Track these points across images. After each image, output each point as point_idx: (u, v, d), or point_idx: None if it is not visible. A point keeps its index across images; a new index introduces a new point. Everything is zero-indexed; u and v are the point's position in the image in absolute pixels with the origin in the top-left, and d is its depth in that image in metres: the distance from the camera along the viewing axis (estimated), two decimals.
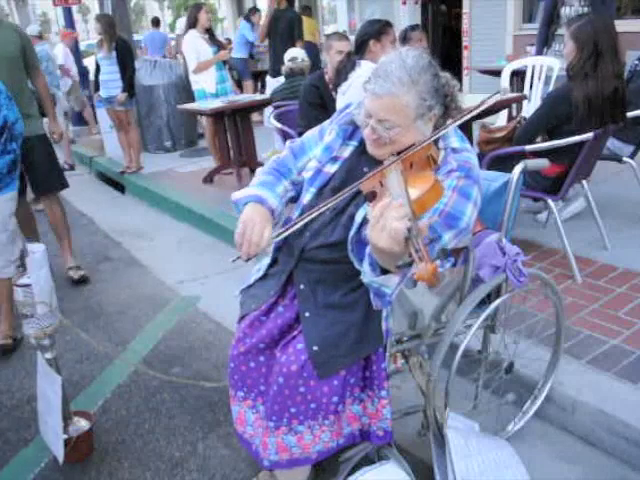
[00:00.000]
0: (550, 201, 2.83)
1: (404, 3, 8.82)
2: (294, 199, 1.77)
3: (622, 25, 4.38)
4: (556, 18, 4.20)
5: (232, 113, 5.03)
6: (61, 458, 1.94)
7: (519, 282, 1.72)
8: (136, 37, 11.15)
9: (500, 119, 4.46)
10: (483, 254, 1.72)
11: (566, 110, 2.77)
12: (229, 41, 9.26)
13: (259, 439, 1.66)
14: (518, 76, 4.68)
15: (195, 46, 5.42)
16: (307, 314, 1.58)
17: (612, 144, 3.36)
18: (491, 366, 1.96)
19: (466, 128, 3.34)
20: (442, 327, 1.77)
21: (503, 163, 2.58)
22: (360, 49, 3.32)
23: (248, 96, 5.65)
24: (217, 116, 5.11)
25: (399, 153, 1.40)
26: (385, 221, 1.16)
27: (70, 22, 8.08)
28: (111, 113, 5.80)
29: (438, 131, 1.45)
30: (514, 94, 4.26)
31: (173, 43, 10.64)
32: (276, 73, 6.18)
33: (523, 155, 2.73)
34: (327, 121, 1.75)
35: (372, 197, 1.33)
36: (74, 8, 8.34)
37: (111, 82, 5.59)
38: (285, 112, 4.07)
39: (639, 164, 3.41)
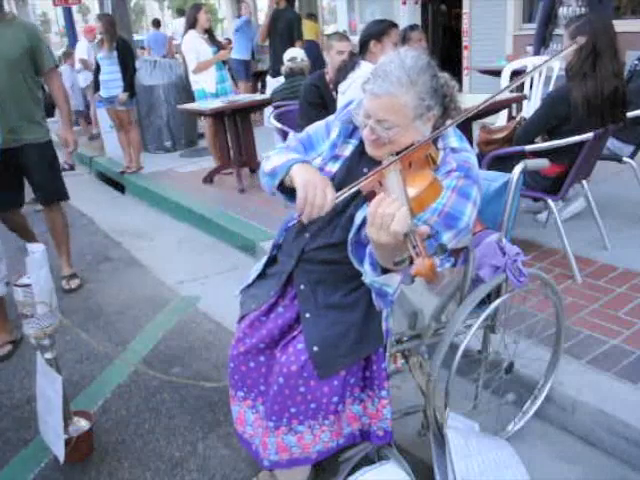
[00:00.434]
0: (550, 201, 2.83)
1: (404, 3, 8.82)
2: None
3: (622, 25, 4.39)
4: (554, 18, 4.20)
5: (232, 113, 5.03)
6: (62, 458, 1.94)
7: (519, 282, 1.72)
8: (136, 37, 11.16)
9: (500, 119, 4.46)
10: (483, 254, 1.72)
11: (566, 110, 2.77)
12: (229, 41, 9.25)
13: (259, 439, 1.66)
14: (518, 76, 4.67)
15: (195, 46, 5.43)
16: (307, 315, 1.58)
17: (612, 144, 3.36)
18: (491, 366, 1.96)
19: (466, 128, 3.35)
20: (442, 327, 1.77)
21: (503, 163, 2.58)
22: (362, 49, 3.31)
23: (248, 96, 5.65)
24: (217, 116, 5.11)
25: (398, 153, 1.40)
26: (382, 219, 1.16)
27: (70, 22, 8.07)
28: (112, 113, 5.81)
29: (438, 131, 1.45)
30: (514, 94, 4.26)
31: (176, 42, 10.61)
32: (276, 73, 6.18)
33: (523, 155, 2.73)
34: (332, 116, 1.73)
35: (372, 197, 1.33)
36: (74, 8, 8.34)
37: (112, 82, 5.59)
38: (285, 112, 4.07)
39: (639, 164, 3.41)
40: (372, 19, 3.51)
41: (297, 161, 1.52)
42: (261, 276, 1.79)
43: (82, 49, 7.87)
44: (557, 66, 4.12)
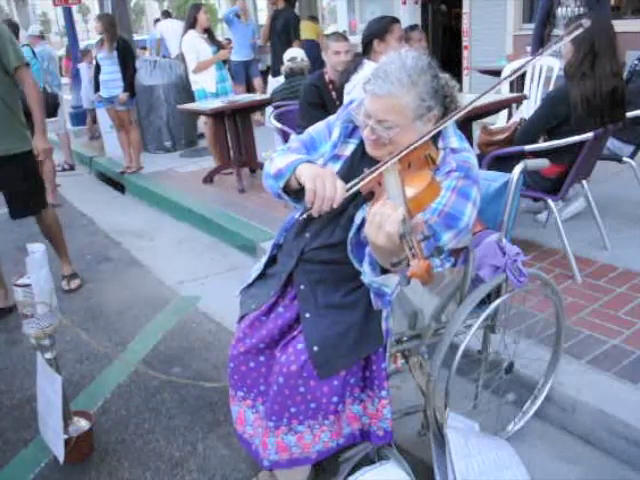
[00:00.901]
0: (550, 201, 2.83)
1: (404, 3, 8.82)
2: None
3: (622, 25, 4.39)
4: (552, 19, 4.20)
5: (232, 113, 5.03)
6: (61, 458, 1.94)
7: (519, 282, 1.72)
8: (136, 37, 11.13)
9: (500, 119, 4.46)
10: (483, 254, 1.72)
11: (565, 110, 2.78)
12: (229, 41, 9.25)
13: (259, 439, 1.66)
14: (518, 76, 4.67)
15: (194, 46, 5.43)
16: (307, 315, 1.58)
17: (612, 144, 3.36)
18: (491, 366, 1.96)
19: (466, 129, 3.35)
20: (442, 327, 1.77)
21: (503, 163, 2.58)
22: (365, 49, 3.28)
23: (248, 96, 5.65)
24: (217, 116, 5.11)
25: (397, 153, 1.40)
26: (381, 218, 1.17)
27: (70, 22, 8.05)
28: (112, 113, 5.81)
29: (434, 128, 1.45)
30: (514, 94, 4.26)
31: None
32: (276, 73, 6.18)
33: (523, 155, 2.73)
34: (333, 116, 1.73)
35: (371, 197, 1.33)
36: (74, 8, 8.31)
37: (112, 82, 5.59)
38: (285, 112, 4.07)
39: (639, 164, 3.41)
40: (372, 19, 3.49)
41: (302, 161, 1.52)
42: (261, 276, 1.79)
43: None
44: (557, 66, 4.13)
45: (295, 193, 1.54)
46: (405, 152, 1.37)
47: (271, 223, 3.84)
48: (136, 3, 33.52)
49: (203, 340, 2.83)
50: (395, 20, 3.31)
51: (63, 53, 11.49)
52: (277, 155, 1.64)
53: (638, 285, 2.68)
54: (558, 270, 2.89)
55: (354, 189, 1.39)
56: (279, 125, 3.79)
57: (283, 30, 6.91)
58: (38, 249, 1.84)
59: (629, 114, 3.02)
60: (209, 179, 5.31)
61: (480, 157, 2.85)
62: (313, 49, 6.83)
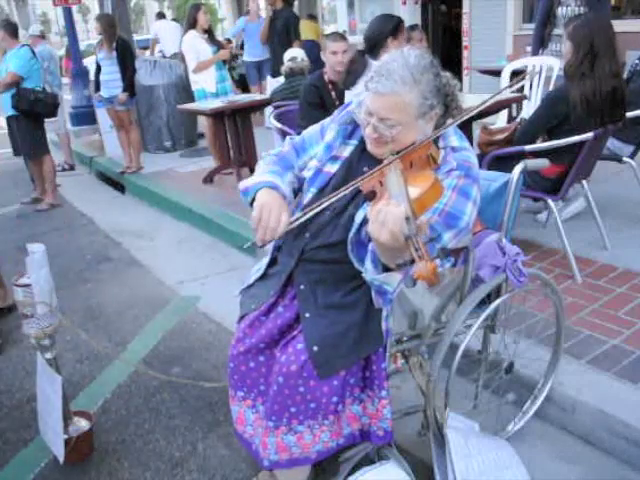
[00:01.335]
0: (550, 201, 2.83)
1: (404, 3, 8.82)
2: (295, 192, 1.76)
3: (622, 25, 4.40)
4: (552, 18, 4.20)
5: (232, 113, 5.03)
6: (61, 458, 1.94)
7: (519, 282, 1.72)
8: (136, 37, 11.13)
9: (500, 119, 4.46)
10: (483, 254, 1.72)
11: (565, 110, 2.78)
12: (229, 41, 9.23)
13: (259, 439, 1.66)
14: (518, 76, 4.67)
15: (195, 46, 5.43)
16: (307, 315, 1.58)
17: (612, 144, 3.36)
18: (491, 366, 1.96)
19: (466, 129, 3.34)
20: (442, 327, 1.77)
21: (503, 163, 2.58)
22: (375, 48, 3.21)
23: (248, 96, 5.65)
24: (217, 116, 5.11)
25: (399, 152, 1.40)
26: (385, 215, 1.17)
27: (70, 22, 8.04)
28: (112, 113, 5.81)
29: (438, 130, 1.45)
30: (514, 94, 4.26)
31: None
32: (276, 73, 6.17)
33: (523, 155, 2.73)
34: (328, 119, 1.74)
35: (372, 196, 1.33)
36: (74, 8, 8.30)
37: (112, 82, 5.60)
38: (285, 112, 4.07)
39: (639, 164, 3.41)
40: (372, 19, 3.45)
41: (265, 185, 1.58)
42: (261, 276, 1.79)
43: None
44: (557, 66, 4.12)
45: None
46: (409, 150, 1.37)
47: None
48: (136, 3, 33.54)
49: (203, 340, 2.83)
50: (402, 20, 3.31)
51: (63, 53, 11.50)
52: (262, 162, 1.72)
53: (638, 285, 2.68)
54: (558, 270, 2.89)
55: (297, 222, 1.46)
56: (279, 125, 3.78)
57: (283, 30, 6.90)
58: (38, 249, 1.84)
59: (629, 114, 3.02)
60: (209, 179, 5.30)
61: (480, 157, 2.85)
62: (313, 49, 6.82)
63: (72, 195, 5.79)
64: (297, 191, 1.74)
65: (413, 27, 4.92)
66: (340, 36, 3.77)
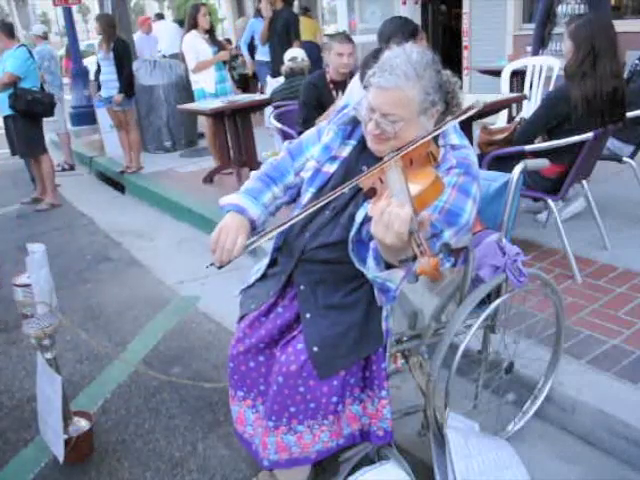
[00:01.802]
0: (550, 201, 2.83)
1: (404, 3, 8.81)
2: (289, 203, 1.77)
3: (622, 25, 4.39)
4: (552, 17, 4.19)
5: (232, 113, 5.03)
6: (61, 458, 1.94)
7: (519, 282, 1.72)
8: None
9: (500, 119, 4.46)
10: (483, 254, 1.72)
11: (565, 110, 2.77)
12: (229, 41, 9.23)
13: (259, 439, 1.66)
14: (518, 76, 4.68)
15: (195, 46, 5.43)
16: (308, 315, 1.58)
17: (612, 144, 3.35)
18: (491, 366, 1.96)
19: (466, 129, 3.33)
20: (442, 327, 1.77)
21: (503, 163, 2.58)
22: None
23: (248, 96, 5.65)
24: (217, 116, 5.11)
25: (399, 149, 1.40)
26: (389, 217, 1.16)
27: (70, 22, 8.04)
28: (111, 113, 5.81)
29: (438, 127, 1.45)
30: (514, 94, 4.26)
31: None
32: (276, 73, 6.16)
33: (523, 155, 2.73)
34: (325, 121, 1.76)
35: (372, 194, 1.33)
36: (74, 8, 8.30)
37: (111, 82, 5.60)
38: (285, 112, 4.07)
39: (639, 164, 3.41)
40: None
41: (234, 208, 1.65)
42: (261, 277, 1.79)
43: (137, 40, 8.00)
44: (557, 66, 4.13)
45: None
46: (411, 148, 1.37)
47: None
48: (136, 3, 33.50)
49: (203, 340, 2.83)
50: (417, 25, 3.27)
51: (63, 53, 11.50)
52: (254, 174, 1.78)
53: (638, 285, 2.68)
54: (558, 270, 2.89)
55: (252, 246, 1.54)
56: (279, 125, 3.78)
57: (283, 30, 6.88)
58: (38, 249, 1.83)
59: (629, 114, 3.02)
60: (209, 179, 5.30)
61: (480, 157, 2.85)
62: (313, 50, 6.80)
63: (72, 195, 5.79)
64: (296, 196, 1.75)
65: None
66: (347, 38, 3.70)
